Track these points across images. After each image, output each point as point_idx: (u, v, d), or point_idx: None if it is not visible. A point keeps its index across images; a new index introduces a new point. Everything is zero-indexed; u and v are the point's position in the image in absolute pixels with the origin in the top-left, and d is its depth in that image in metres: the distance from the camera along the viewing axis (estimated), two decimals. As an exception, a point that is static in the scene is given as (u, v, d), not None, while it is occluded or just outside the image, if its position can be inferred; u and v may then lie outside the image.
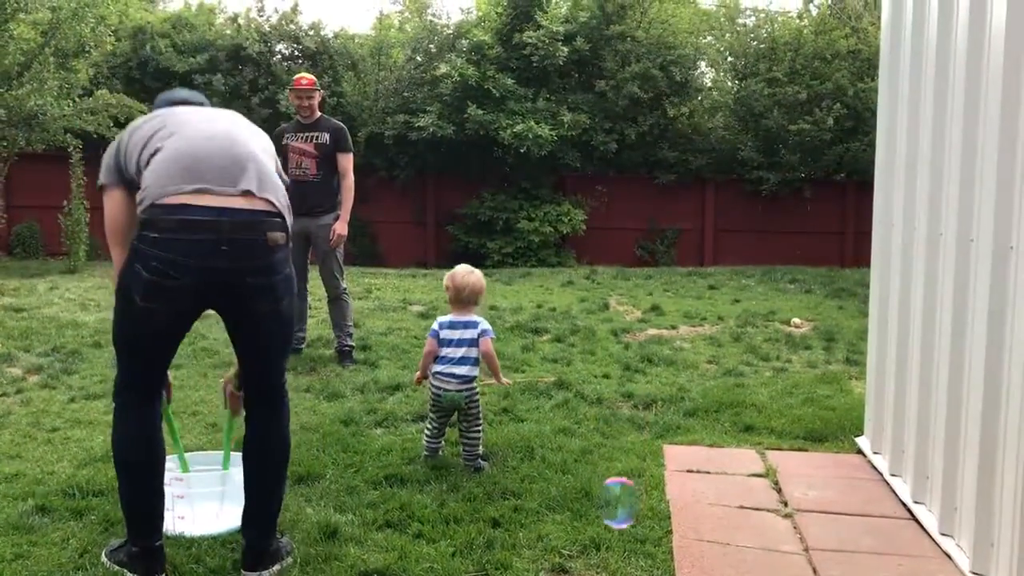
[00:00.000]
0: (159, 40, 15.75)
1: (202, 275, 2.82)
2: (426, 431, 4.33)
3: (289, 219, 3.04)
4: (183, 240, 2.79)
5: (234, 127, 3.10)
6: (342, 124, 6.64)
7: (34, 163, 14.37)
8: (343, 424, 4.87)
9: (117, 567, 2.98)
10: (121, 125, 13.82)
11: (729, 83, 17.82)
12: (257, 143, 3.10)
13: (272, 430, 3.10)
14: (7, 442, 4.52)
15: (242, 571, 3.01)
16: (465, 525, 3.46)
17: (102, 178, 3.03)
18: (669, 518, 3.61)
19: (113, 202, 3.01)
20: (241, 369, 3.14)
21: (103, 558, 3.06)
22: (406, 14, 17.96)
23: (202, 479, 3.54)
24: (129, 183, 2.98)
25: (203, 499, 3.43)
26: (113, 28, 14.42)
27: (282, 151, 6.50)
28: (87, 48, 13.57)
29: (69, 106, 13.09)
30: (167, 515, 3.12)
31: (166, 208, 2.81)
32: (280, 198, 3.01)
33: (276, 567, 3.02)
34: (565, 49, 15.43)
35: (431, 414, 4.29)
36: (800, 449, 4.69)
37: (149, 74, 15.52)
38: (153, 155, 2.91)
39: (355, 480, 3.96)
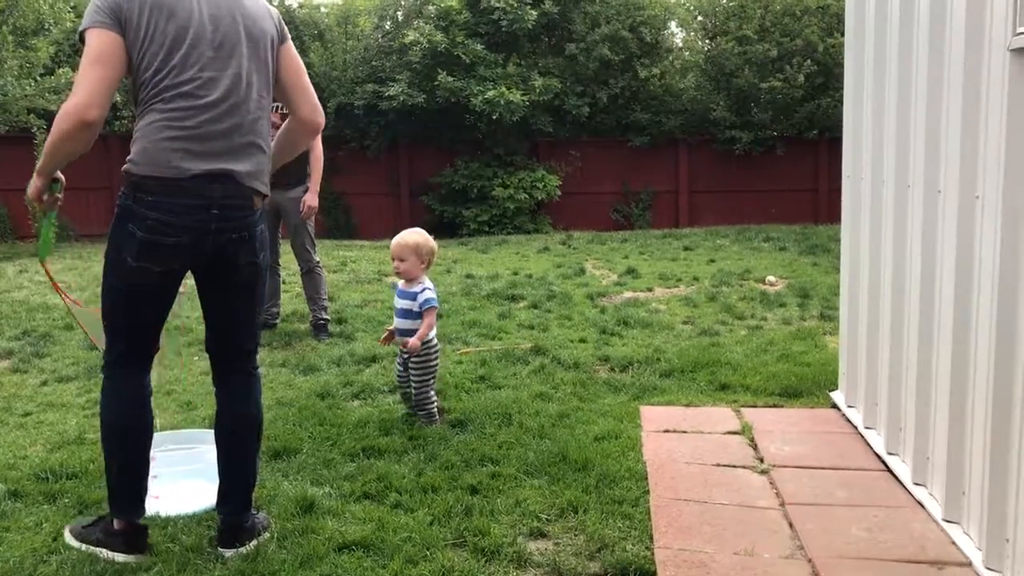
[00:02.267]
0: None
1: (194, 233, 2.84)
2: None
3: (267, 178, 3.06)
4: (177, 203, 2.81)
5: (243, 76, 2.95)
6: None
7: (-2, 145, 14.14)
8: (319, 398, 4.85)
9: (93, 547, 2.94)
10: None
11: (699, 43, 17.74)
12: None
13: (245, 402, 3.08)
14: (-22, 428, 4.47)
15: (218, 548, 3.00)
16: (443, 493, 3.46)
17: (88, 20, 2.77)
18: (646, 478, 3.63)
19: (104, 44, 2.74)
20: (216, 337, 3.11)
21: (70, 540, 3.00)
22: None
23: (176, 458, 3.51)
24: (123, 33, 2.76)
25: (177, 478, 3.41)
26: (72, 4, 14.13)
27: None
28: (47, 26, 13.30)
29: (31, 86, 12.85)
30: None
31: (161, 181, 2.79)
32: (265, 162, 3.02)
33: (252, 543, 3.01)
34: (534, 13, 15.29)
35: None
36: (775, 405, 4.72)
37: (112, 50, 15.26)
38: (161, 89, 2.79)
39: (332, 453, 3.94)
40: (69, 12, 13.71)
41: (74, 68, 13.78)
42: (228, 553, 2.97)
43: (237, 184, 2.89)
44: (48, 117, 13.17)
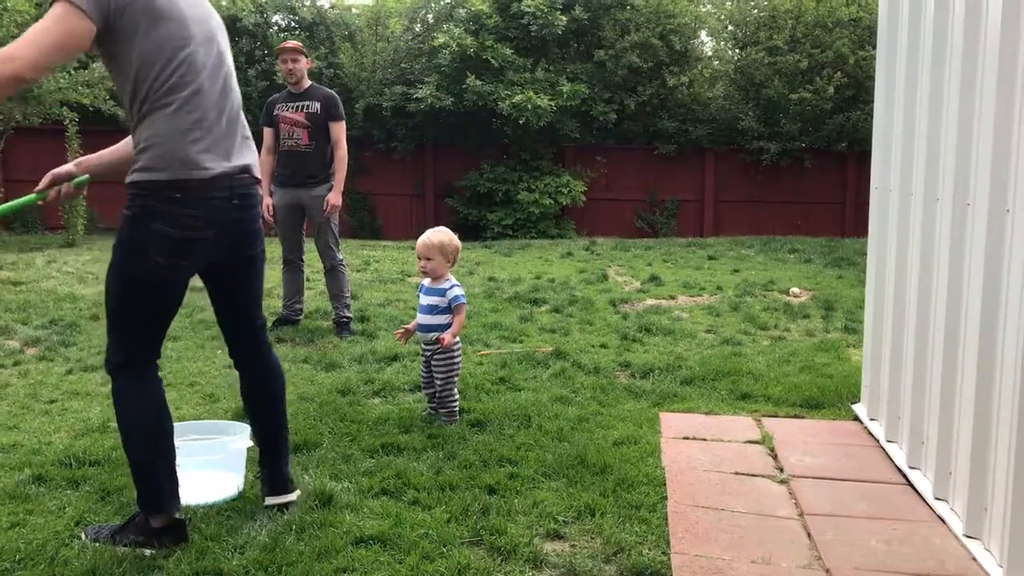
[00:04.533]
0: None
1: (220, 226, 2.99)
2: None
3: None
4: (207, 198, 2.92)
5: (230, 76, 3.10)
6: (333, 93, 6.56)
7: (30, 137, 14.31)
8: (340, 394, 4.87)
9: (135, 548, 2.91)
10: (116, 97, 13.75)
11: (729, 52, 17.68)
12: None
13: (267, 364, 3.30)
14: (5, 413, 4.54)
15: (265, 499, 3.27)
16: (461, 492, 3.47)
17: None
18: (664, 484, 3.62)
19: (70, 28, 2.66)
20: (235, 320, 3.25)
21: (99, 544, 2.96)
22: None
23: (197, 448, 3.54)
24: (105, 29, 2.74)
25: (198, 468, 3.43)
26: (108, -1, 14.28)
27: (273, 121, 6.46)
28: (82, 20, 13.44)
29: (64, 79, 13.00)
30: None
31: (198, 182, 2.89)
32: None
33: (296, 493, 3.31)
34: (564, 18, 15.29)
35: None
36: (797, 416, 4.70)
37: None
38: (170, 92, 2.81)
39: (351, 449, 3.97)
40: (104, 7, 13.86)
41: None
42: (274, 501, 3.25)
43: (253, 176, 3.09)
44: (80, 110, 13.35)
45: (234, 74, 3.09)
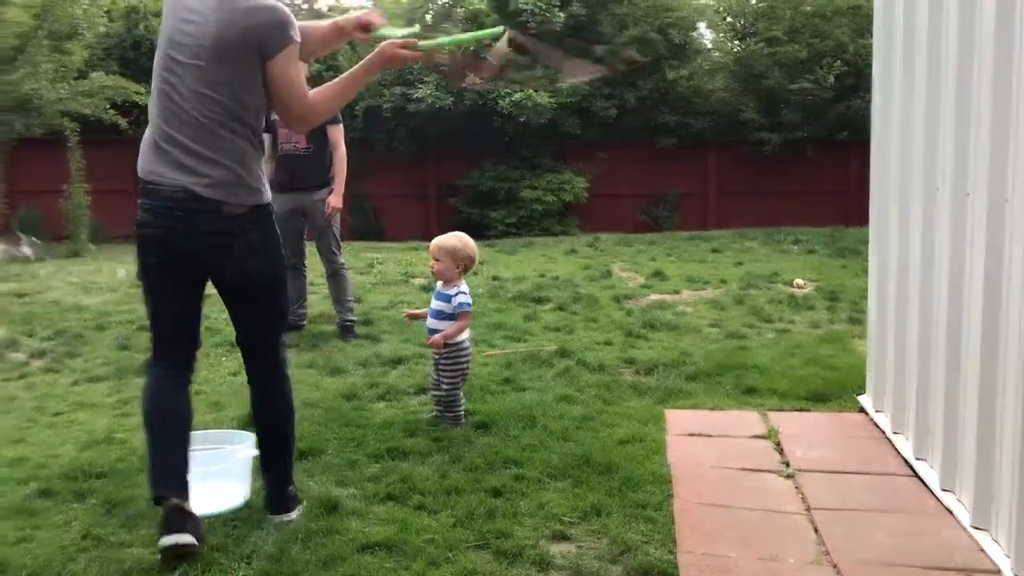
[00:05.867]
0: (152, 20, 15.60)
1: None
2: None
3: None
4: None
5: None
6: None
7: (33, 148, 14.32)
8: (345, 399, 4.87)
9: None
10: (118, 107, 13.80)
11: (728, 44, 17.64)
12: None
13: (267, 389, 3.30)
14: (11, 427, 4.54)
15: (268, 515, 3.27)
16: (466, 495, 3.46)
17: (292, 34, 3.03)
18: (670, 482, 3.61)
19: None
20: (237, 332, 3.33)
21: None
22: (400, -16, 17.78)
23: (203, 458, 3.53)
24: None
25: (205, 478, 3.43)
26: (106, 9, 14.33)
27: (271, 126, 6.44)
28: (80, 30, 13.49)
29: (65, 89, 13.03)
30: None
31: None
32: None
33: (296, 512, 3.28)
34: (562, 15, 15.27)
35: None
36: (802, 410, 4.68)
37: (144, 54, 15.35)
38: None
39: (357, 454, 3.96)
40: (102, 17, 13.91)
41: (107, 72, 14.00)
42: (275, 519, 3.24)
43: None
44: (81, 120, 13.38)
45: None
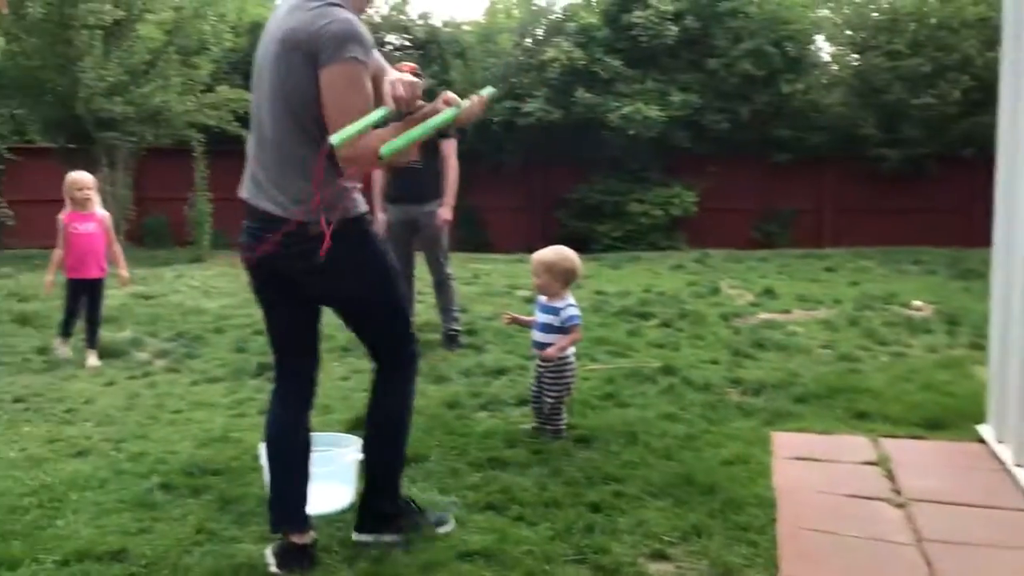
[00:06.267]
0: (276, 35, 16.21)
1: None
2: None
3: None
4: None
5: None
6: (421, 74, 6.63)
7: (161, 158, 15.11)
8: (448, 407, 4.94)
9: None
10: (241, 119, 14.39)
11: (847, 57, 17.17)
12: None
13: (377, 394, 3.20)
14: (135, 422, 4.78)
15: (353, 530, 3.17)
16: (565, 509, 3.46)
17: (353, 52, 2.75)
18: (774, 506, 3.53)
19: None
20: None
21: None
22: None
23: (312, 459, 3.64)
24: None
25: (312, 480, 3.53)
26: (231, 25, 14.97)
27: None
28: (208, 45, 14.14)
29: (192, 102, 13.68)
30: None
31: None
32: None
33: (383, 537, 3.10)
34: (675, 28, 15.19)
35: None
36: (916, 437, 4.50)
37: (266, 68, 16.06)
38: None
39: (458, 462, 4.01)
40: (228, 32, 14.53)
41: (231, 85, 14.63)
42: (355, 537, 3.13)
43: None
44: (206, 131, 14.03)
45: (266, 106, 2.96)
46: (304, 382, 3.15)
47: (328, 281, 2.92)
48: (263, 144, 2.93)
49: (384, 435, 3.19)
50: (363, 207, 3.00)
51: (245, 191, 2.98)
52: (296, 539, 3.00)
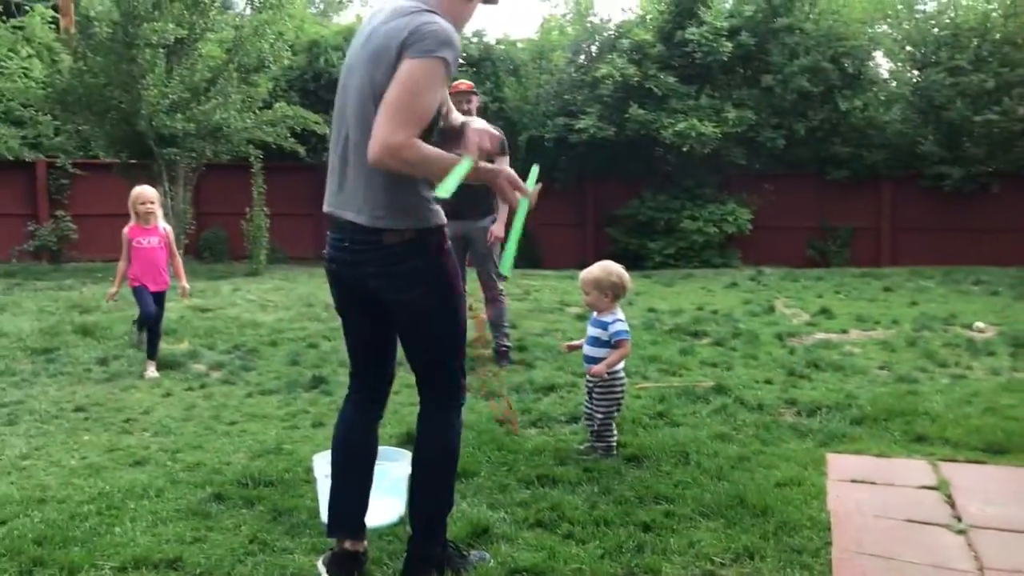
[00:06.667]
0: (332, 53, 16.50)
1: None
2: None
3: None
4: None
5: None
6: (499, 130, 6.68)
7: (219, 173, 15.43)
8: (498, 423, 4.94)
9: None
10: (298, 136, 14.65)
11: (907, 74, 16.88)
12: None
13: (420, 430, 3.08)
14: (191, 433, 4.87)
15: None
16: (615, 528, 3.44)
17: (445, 54, 2.70)
18: (829, 529, 3.46)
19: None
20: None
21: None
22: (568, 16, 18.05)
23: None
24: None
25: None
26: (290, 43, 15.25)
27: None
28: (267, 63, 14.42)
29: (250, 118, 13.94)
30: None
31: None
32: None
33: None
34: (729, 44, 15.09)
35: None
36: (978, 462, 4.38)
37: (323, 86, 16.31)
38: None
39: (508, 479, 4.01)
40: (287, 51, 14.80)
41: (289, 103, 14.89)
42: None
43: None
44: (264, 148, 14.29)
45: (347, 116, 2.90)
46: (377, 394, 3.14)
47: (398, 288, 2.86)
48: (345, 153, 2.86)
49: (430, 480, 3.03)
50: (441, 218, 2.94)
51: (327, 204, 2.94)
52: (350, 546, 3.01)
